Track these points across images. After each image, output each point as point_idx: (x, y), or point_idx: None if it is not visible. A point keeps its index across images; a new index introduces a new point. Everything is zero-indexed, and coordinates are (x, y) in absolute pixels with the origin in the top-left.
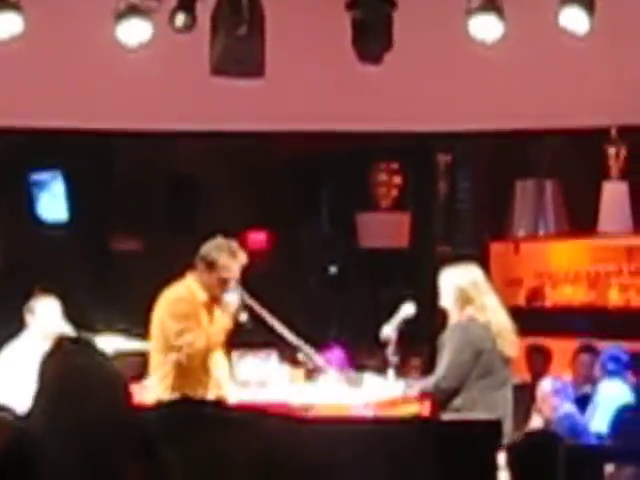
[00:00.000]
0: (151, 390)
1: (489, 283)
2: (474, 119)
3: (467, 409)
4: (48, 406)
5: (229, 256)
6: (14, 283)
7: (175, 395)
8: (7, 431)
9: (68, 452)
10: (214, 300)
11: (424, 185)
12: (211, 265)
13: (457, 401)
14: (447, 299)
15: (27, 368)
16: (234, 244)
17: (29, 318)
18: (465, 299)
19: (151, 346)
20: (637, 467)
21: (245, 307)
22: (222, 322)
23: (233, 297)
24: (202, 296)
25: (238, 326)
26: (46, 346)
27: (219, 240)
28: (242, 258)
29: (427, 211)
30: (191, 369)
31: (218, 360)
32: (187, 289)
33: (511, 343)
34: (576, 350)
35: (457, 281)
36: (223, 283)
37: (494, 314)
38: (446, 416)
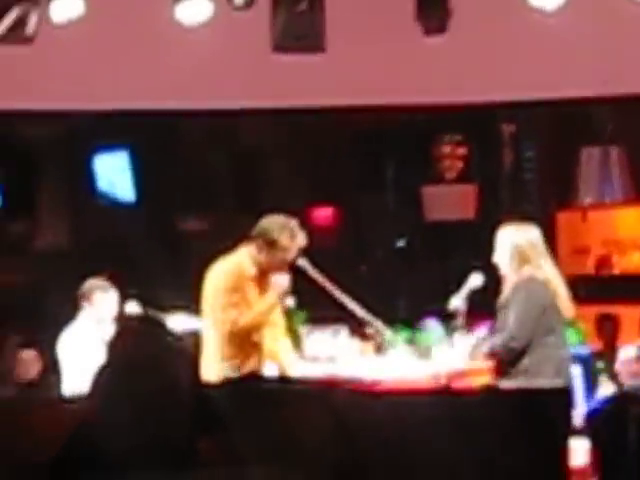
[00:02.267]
0: (206, 364)
1: (546, 247)
2: (537, 87)
3: (535, 370)
4: (118, 383)
5: (290, 237)
6: (82, 263)
7: (228, 368)
8: (74, 417)
9: (138, 426)
10: (263, 276)
11: (489, 156)
12: (272, 244)
13: (524, 362)
14: (503, 256)
15: (85, 353)
16: (295, 224)
17: (86, 304)
18: (522, 258)
19: (204, 321)
20: None
21: (295, 291)
22: (269, 300)
23: (283, 279)
24: (251, 270)
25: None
26: (103, 331)
27: (281, 218)
28: (301, 240)
29: (493, 182)
30: (238, 343)
31: (276, 335)
32: (236, 263)
33: (568, 306)
34: None
35: (515, 239)
36: (280, 264)
37: (552, 275)
38: (513, 380)
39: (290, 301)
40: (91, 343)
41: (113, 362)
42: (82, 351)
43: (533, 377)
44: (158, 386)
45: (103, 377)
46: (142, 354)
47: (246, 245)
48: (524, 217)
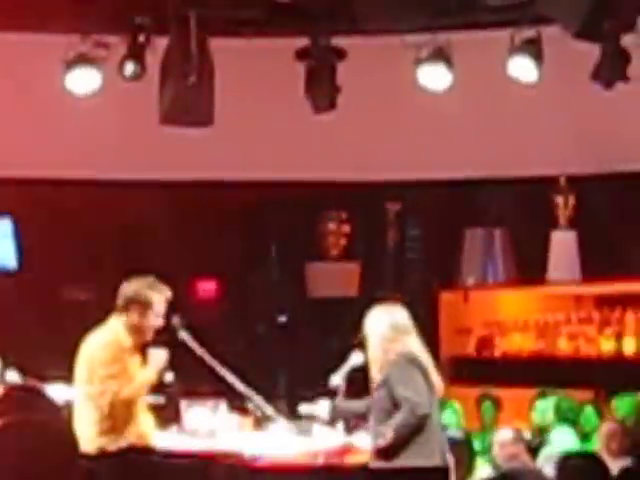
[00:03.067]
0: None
1: (425, 326)
2: (423, 168)
3: (413, 449)
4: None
5: (158, 292)
6: None
7: (106, 440)
8: None
9: None
10: (140, 345)
11: (373, 234)
12: (146, 305)
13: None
14: (370, 339)
15: None
16: (153, 280)
17: None
18: (390, 339)
19: (77, 392)
20: None
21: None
22: (148, 374)
23: (161, 353)
24: (127, 341)
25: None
26: None
27: (140, 280)
28: (167, 293)
29: (376, 260)
30: (116, 415)
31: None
32: (113, 334)
33: (438, 383)
34: (533, 398)
35: (382, 322)
36: (154, 325)
37: (419, 353)
38: (391, 459)
39: (169, 377)
40: None
41: None
42: None
43: (410, 457)
44: (44, 456)
45: None
46: (24, 423)
47: (117, 316)
48: (405, 297)
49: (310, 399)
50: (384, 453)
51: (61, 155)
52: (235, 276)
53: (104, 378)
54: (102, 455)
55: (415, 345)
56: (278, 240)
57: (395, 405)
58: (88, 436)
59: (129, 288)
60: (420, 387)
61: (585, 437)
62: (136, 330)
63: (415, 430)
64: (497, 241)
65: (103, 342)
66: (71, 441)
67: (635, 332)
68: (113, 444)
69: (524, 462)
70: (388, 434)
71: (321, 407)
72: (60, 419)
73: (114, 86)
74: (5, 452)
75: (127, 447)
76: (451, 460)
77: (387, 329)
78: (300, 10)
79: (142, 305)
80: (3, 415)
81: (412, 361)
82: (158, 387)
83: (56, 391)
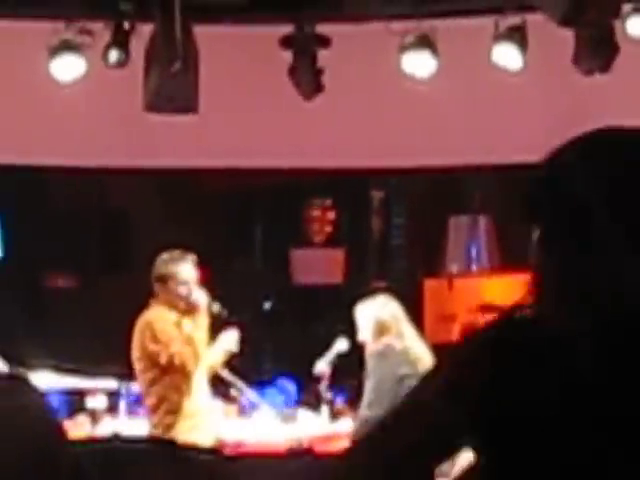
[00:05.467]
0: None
1: (411, 314)
2: (408, 155)
3: None
4: None
5: (175, 263)
6: None
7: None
8: None
9: None
10: (184, 315)
11: (358, 221)
12: (164, 278)
13: None
14: (366, 332)
15: None
16: (175, 252)
17: None
18: (382, 329)
19: (139, 374)
20: None
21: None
22: (200, 330)
23: (198, 293)
24: (172, 316)
25: None
26: None
27: (163, 255)
28: (191, 259)
29: (361, 247)
30: (180, 383)
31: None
32: (156, 312)
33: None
34: None
35: (375, 313)
36: (184, 290)
37: (412, 341)
38: None
39: (216, 307)
40: None
41: None
42: None
43: None
44: (28, 443)
45: None
46: (9, 410)
47: (153, 300)
48: (389, 284)
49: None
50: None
51: (45, 142)
52: (219, 263)
53: (162, 349)
54: (87, 441)
55: (409, 335)
56: (263, 226)
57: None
58: (158, 412)
59: (154, 268)
60: (382, 390)
61: None
62: (171, 304)
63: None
64: (481, 228)
65: (145, 322)
66: (55, 426)
67: None
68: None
69: None
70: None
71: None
72: (42, 404)
73: (98, 73)
74: None
75: (110, 435)
76: None
77: (382, 316)
78: None
79: (161, 279)
80: None
81: (390, 359)
82: None
83: (39, 379)
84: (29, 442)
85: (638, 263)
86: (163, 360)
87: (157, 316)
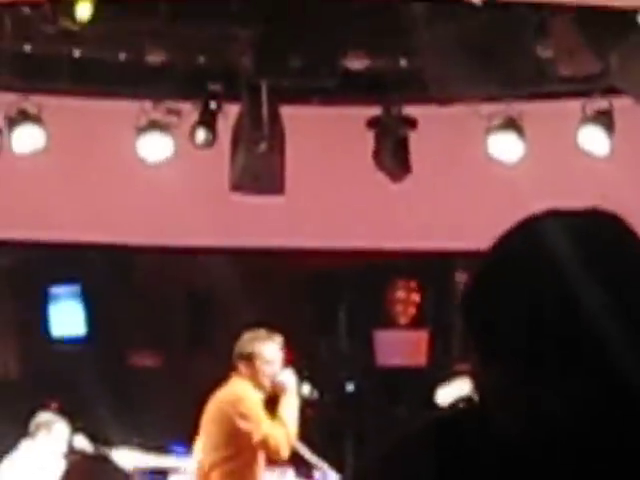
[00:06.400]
0: None
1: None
2: (493, 237)
3: None
4: None
5: (261, 342)
6: (29, 398)
7: None
8: None
9: None
10: (269, 395)
11: (442, 303)
12: (249, 356)
13: None
14: None
15: None
16: (261, 331)
17: (42, 433)
18: None
19: (208, 450)
20: None
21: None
22: (294, 403)
23: (286, 375)
24: (257, 395)
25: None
26: (55, 462)
27: (249, 333)
28: (277, 340)
29: (445, 329)
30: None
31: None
32: (242, 388)
33: None
34: None
35: (453, 397)
36: (269, 369)
37: None
38: None
39: (306, 389)
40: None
41: None
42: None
43: None
44: None
45: None
46: None
47: (235, 375)
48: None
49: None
50: None
51: (132, 221)
52: (305, 344)
53: (254, 429)
54: None
55: None
56: (347, 307)
57: None
58: None
59: (237, 345)
60: None
61: None
62: (257, 383)
63: None
64: None
65: (234, 396)
66: None
67: None
68: None
69: None
70: None
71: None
72: None
73: (185, 153)
74: None
75: None
76: None
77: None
78: (371, 79)
79: (247, 359)
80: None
81: None
82: None
83: (124, 457)
84: None
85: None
86: (256, 439)
87: (244, 393)
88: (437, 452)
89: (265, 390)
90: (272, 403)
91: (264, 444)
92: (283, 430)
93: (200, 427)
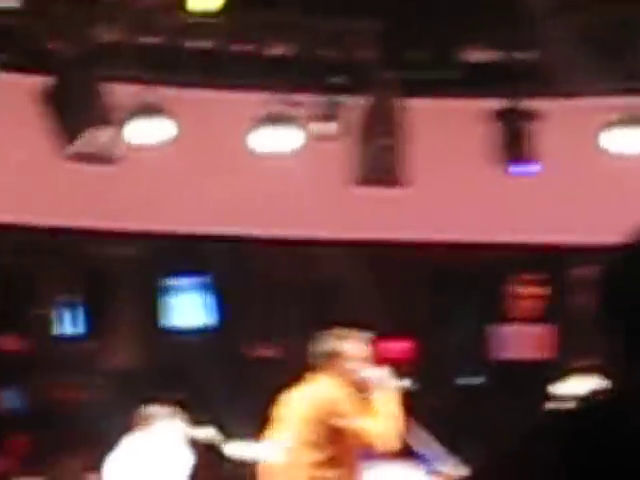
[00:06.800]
0: None
1: None
2: (616, 232)
3: None
4: None
5: (345, 340)
6: (150, 388)
7: None
8: None
9: None
10: (359, 391)
11: (563, 297)
12: (333, 355)
13: None
14: None
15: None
16: (344, 330)
17: (157, 425)
18: None
19: (306, 449)
20: None
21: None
22: (385, 403)
23: (371, 371)
24: (348, 392)
25: None
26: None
27: (333, 332)
28: (360, 337)
29: (567, 324)
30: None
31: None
32: (332, 387)
33: None
34: None
35: (570, 393)
36: (354, 367)
37: None
38: None
39: (397, 382)
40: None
41: None
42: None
43: None
44: None
45: None
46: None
47: (320, 373)
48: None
49: None
50: None
51: (253, 213)
52: (427, 337)
53: (351, 424)
54: None
55: None
56: (465, 301)
57: None
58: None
59: (317, 345)
60: None
61: None
62: (343, 381)
63: None
64: None
65: (328, 399)
66: None
67: None
68: None
69: None
70: None
71: None
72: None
73: (306, 145)
74: None
75: None
76: None
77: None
78: (495, 71)
79: (331, 358)
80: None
81: None
82: None
83: (242, 449)
84: None
85: None
86: (360, 436)
87: (337, 392)
88: (569, 445)
89: (353, 387)
90: (363, 399)
91: (368, 440)
92: (384, 423)
93: (278, 420)
